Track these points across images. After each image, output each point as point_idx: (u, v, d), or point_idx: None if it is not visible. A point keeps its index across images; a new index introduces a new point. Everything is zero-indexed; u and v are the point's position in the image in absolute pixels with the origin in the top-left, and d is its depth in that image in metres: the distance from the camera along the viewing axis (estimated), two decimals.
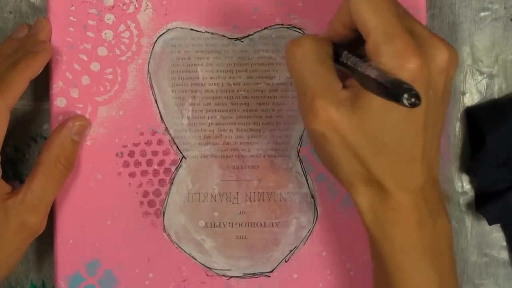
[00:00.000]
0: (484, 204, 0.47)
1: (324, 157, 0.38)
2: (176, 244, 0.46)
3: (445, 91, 0.36)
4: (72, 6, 0.45)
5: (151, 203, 0.45)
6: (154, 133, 0.45)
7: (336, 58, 0.37)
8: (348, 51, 0.36)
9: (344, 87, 0.35)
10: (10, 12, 0.48)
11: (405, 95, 0.29)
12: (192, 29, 0.45)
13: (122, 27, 0.45)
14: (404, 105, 0.29)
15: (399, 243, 0.37)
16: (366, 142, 0.35)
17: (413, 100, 0.29)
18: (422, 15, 0.45)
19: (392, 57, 0.33)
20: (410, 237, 0.37)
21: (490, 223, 0.47)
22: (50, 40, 0.45)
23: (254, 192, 0.46)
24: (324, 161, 0.38)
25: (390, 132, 0.35)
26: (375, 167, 0.35)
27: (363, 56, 0.35)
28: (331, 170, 0.38)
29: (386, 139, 0.35)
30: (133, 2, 0.45)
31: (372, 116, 0.34)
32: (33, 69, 0.42)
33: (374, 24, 0.34)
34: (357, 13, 0.34)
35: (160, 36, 0.45)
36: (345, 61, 0.36)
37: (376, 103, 0.34)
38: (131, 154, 0.45)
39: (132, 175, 0.45)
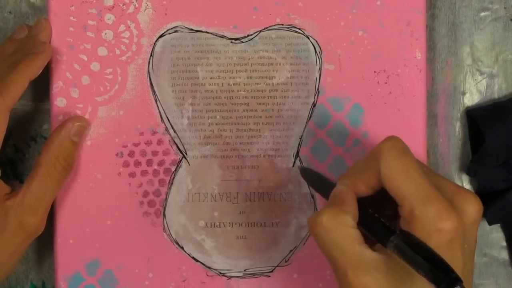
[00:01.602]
0: (484, 204, 0.47)
1: None
2: (176, 244, 0.46)
3: (476, 239, 0.36)
4: (72, 6, 0.45)
5: (151, 203, 0.45)
6: (154, 133, 0.45)
7: (362, 218, 0.36)
8: (375, 213, 0.36)
9: (374, 249, 0.35)
10: (10, 12, 0.48)
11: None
12: (192, 29, 0.45)
13: (122, 27, 0.45)
14: None
15: None
16: None
17: None
18: (422, 15, 0.45)
19: (429, 221, 0.33)
20: None
21: (490, 223, 0.47)
22: (50, 41, 0.45)
23: (254, 192, 0.46)
24: None
25: None
26: None
27: (388, 215, 0.35)
28: None
29: None
30: (133, 2, 0.45)
31: (408, 278, 0.34)
32: (33, 70, 0.42)
33: (408, 191, 0.34)
34: (389, 180, 0.35)
35: (160, 36, 0.45)
36: (373, 225, 0.36)
37: None
38: (131, 154, 0.45)
39: (132, 175, 0.45)
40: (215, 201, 0.46)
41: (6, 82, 0.41)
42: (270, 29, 0.45)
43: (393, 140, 0.36)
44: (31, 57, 0.42)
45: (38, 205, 0.42)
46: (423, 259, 0.31)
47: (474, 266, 0.47)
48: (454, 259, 0.33)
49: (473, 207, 0.35)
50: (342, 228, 0.35)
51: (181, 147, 0.45)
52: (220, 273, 0.46)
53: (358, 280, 0.34)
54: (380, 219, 0.35)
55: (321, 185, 0.40)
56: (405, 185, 0.34)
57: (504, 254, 0.48)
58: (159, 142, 0.45)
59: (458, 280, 0.30)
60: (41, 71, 0.43)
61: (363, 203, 0.37)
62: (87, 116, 0.45)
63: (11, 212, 0.41)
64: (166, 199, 0.46)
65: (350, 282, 0.35)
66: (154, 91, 0.45)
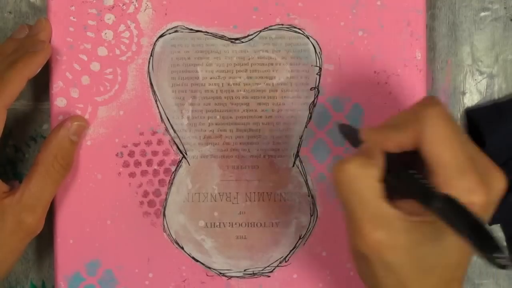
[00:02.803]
0: None
1: (366, 275, 0.37)
2: (176, 244, 0.46)
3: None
4: (72, 6, 0.45)
5: (151, 203, 0.45)
6: (154, 133, 0.45)
7: (391, 171, 0.36)
8: (413, 171, 0.35)
9: (395, 206, 0.35)
10: (10, 12, 0.48)
11: (498, 257, 0.30)
12: (192, 29, 0.45)
13: (122, 27, 0.45)
14: (492, 262, 0.30)
15: None
16: (412, 265, 0.35)
17: (506, 264, 0.30)
18: (422, 15, 0.45)
19: (463, 193, 0.33)
20: None
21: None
22: (50, 41, 0.45)
23: (254, 192, 0.46)
24: (365, 280, 0.38)
25: (439, 257, 0.35)
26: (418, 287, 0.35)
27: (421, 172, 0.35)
28: (371, 287, 0.38)
29: (433, 262, 0.35)
30: (133, 2, 0.45)
31: (423, 240, 0.34)
32: (31, 68, 0.42)
33: (448, 159, 0.34)
34: (431, 146, 0.34)
35: (160, 36, 0.45)
36: (412, 185, 0.35)
37: (431, 227, 0.34)
38: (131, 154, 0.45)
39: (132, 175, 0.45)
40: (215, 201, 0.46)
41: (3, 80, 0.41)
42: (270, 29, 0.45)
43: (438, 105, 0.35)
44: (29, 56, 0.42)
45: (36, 204, 0.42)
46: (470, 225, 0.31)
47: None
48: None
49: (501, 185, 0.35)
50: (367, 179, 0.35)
51: (181, 147, 0.45)
52: (220, 273, 0.46)
53: (373, 233, 0.34)
54: (421, 179, 0.35)
55: (356, 138, 0.39)
56: (446, 154, 0.34)
57: None
58: (159, 142, 0.45)
59: (503, 249, 0.30)
60: (39, 69, 0.43)
61: (400, 160, 0.36)
62: (87, 116, 0.45)
63: (9, 210, 0.41)
64: (166, 199, 0.46)
65: (364, 233, 0.34)
66: (154, 91, 0.45)
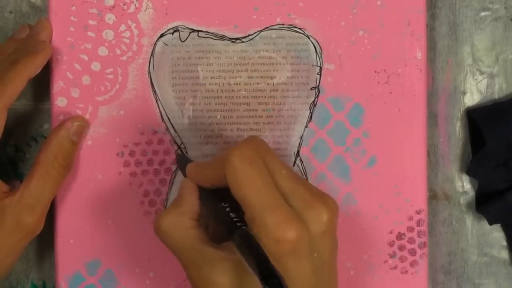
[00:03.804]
0: (484, 204, 0.47)
1: None
2: None
3: (332, 247, 0.37)
4: (73, 6, 0.45)
5: (152, 203, 0.45)
6: (154, 132, 0.45)
7: (214, 209, 0.37)
8: (227, 206, 0.37)
9: (221, 246, 0.37)
10: (10, 12, 0.48)
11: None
12: (192, 29, 0.45)
13: (122, 27, 0.45)
14: None
15: None
16: None
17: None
18: (422, 15, 0.45)
19: (268, 230, 0.34)
20: None
21: (490, 223, 0.47)
22: (50, 41, 0.45)
23: None
24: None
25: None
26: None
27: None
28: None
29: None
30: (133, 2, 0.45)
31: (246, 277, 0.35)
32: (32, 68, 0.42)
33: (250, 199, 0.35)
34: (233, 188, 0.35)
35: (161, 36, 0.45)
36: (222, 218, 0.36)
37: None
38: (132, 153, 0.45)
39: (132, 174, 0.45)
40: None
41: (4, 80, 0.41)
42: (270, 29, 0.45)
43: (242, 148, 0.36)
44: (30, 56, 0.42)
45: (36, 204, 0.42)
46: (256, 261, 0.32)
47: (474, 265, 0.48)
48: (299, 268, 0.34)
49: (322, 217, 0.35)
50: (180, 230, 0.37)
51: (181, 146, 0.45)
52: None
53: (198, 274, 0.36)
54: (229, 213, 0.36)
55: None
56: (248, 195, 0.35)
57: (504, 254, 0.48)
58: (160, 141, 0.45)
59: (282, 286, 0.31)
60: (40, 70, 0.43)
61: (215, 193, 0.38)
62: (87, 116, 0.45)
63: (9, 210, 0.41)
64: (167, 199, 0.46)
65: (191, 276, 0.36)
66: (154, 91, 0.45)
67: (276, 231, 0.34)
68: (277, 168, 0.36)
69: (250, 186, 0.35)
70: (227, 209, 0.36)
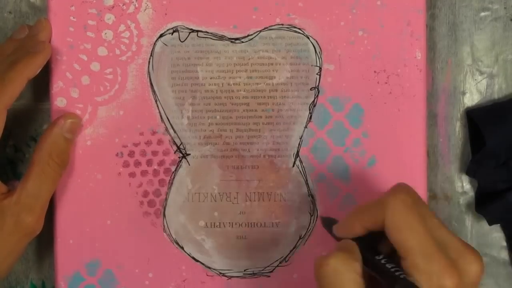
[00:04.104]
0: (484, 204, 0.47)
1: None
2: (176, 244, 0.46)
3: None
4: (72, 6, 0.45)
5: (151, 203, 0.45)
6: (154, 133, 0.45)
7: (367, 261, 0.37)
8: (379, 256, 0.36)
9: None
10: (10, 12, 0.48)
11: None
12: (192, 29, 0.45)
13: (122, 27, 0.45)
14: None
15: None
16: None
17: None
18: (422, 15, 0.45)
19: (431, 277, 0.34)
20: None
21: (490, 223, 0.47)
22: (50, 41, 0.45)
23: (254, 192, 0.46)
24: None
25: None
26: None
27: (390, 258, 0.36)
28: None
29: None
30: (133, 2, 0.45)
31: None
32: (32, 69, 0.42)
33: (412, 246, 0.35)
34: (394, 234, 0.35)
35: (160, 36, 0.45)
36: (379, 270, 0.36)
37: None
38: (131, 154, 0.45)
39: (132, 175, 0.45)
40: (215, 201, 0.46)
41: (4, 81, 0.41)
42: (270, 29, 0.45)
43: (401, 193, 0.36)
44: (29, 56, 0.42)
45: (35, 204, 0.42)
46: None
47: None
48: None
49: (475, 268, 0.35)
50: (350, 273, 0.35)
51: (181, 147, 0.45)
52: (220, 273, 0.46)
53: None
54: (386, 264, 0.36)
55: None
56: (409, 240, 0.35)
57: (504, 254, 0.48)
58: (159, 142, 0.45)
59: None
60: (39, 70, 0.43)
61: (370, 245, 0.37)
62: (87, 116, 0.45)
63: (8, 211, 0.41)
64: (166, 199, 0.46)
65: None
66: (154, 91, 0.45)
67: (439, 279, 0.34)
68: (430, 216, 0.36)
69: (411, 232, 0.35)
70: (382, 261, 0.36)
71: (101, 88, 0.45)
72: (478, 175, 0.47)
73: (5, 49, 0.44)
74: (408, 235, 0.35)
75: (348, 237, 0.38)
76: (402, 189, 0.37)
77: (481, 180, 0.47)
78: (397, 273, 0.35)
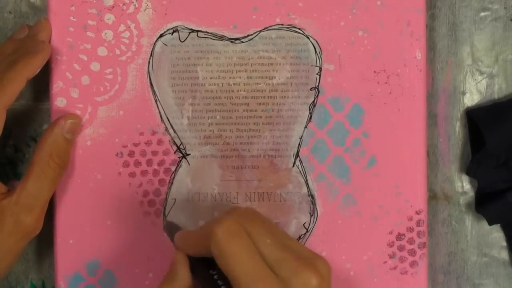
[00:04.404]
0: (484, 204, 0.47)
1: None
2: None
3: None
4: (72, 6, 0.45)
5: (151, 203, 0.45)
6: (154, 133, 0.45)
7: (202, 273, 0.38)
8: (213, 271, 0.37)
9: None
10: (10, 12, 0.48)
11: None
12: (192, 29, 0.45)
13: (122, 27, 0.45)
14: None
15: None
16: None
17: None
18: (422, 15, 0.45)
19: None
20: None
21: (490, 223, 0.47)
22: (49, 41, 0.45)
23: (254, 192, 0.46)
24: None
25: None
26: None
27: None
28: None
29: None
30: (133, 2, 0.45)
31: None
32: (31, 69, 0.42)
33: (238, 273, 0.35)
34: (220, 262, 0.36)
35: (160, 36, 0.45)
36: (210, 285, 0.37)
37: None
38: (131, 154, 0.45)
39: (132, 175, 0.45)
40: (215, 201, 0.46)
41: (3, 81, 0.41)
42: (270, 29, 0.45)
43: (228, 220, 0.36)
44: (29, 56, 0.42)
45: (34, 204, 0.42)
46: None
47: (474, 266, 0.48)
48: None
49: (310, 282, 0.35)
50: None
51: (181, 147, 0.45)
52: None
53: None
54: (217, 281, 0.37)
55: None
56: (235, 270, 0.35)
57: (504, 254, 0.48)
58: (159, 142, 0.45)
59: None
60: (39, 70, 0.43)
61: (205, 260, 0.38)
62: (87, 116, 0.45)
63: (7, 211, 0.41)
64: (166, 199, 0.46)
65: None
66: (154, 91, 0.45)
67: None
68: (262, 238, 0.37)
69: (234, 259, 0.35)
70: (215, 277, 0.37)
71: (101, 88, 0.45)
72: (478, 175, 0.47)
73: (5, 49, 0.44)
74: (231, 263, 0.35)
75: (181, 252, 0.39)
76: (226, 216, 0.37)
77: (481, 180, 0.47)
78: None
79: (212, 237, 0.36)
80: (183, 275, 0.39)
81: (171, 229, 0.44)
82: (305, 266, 0.36)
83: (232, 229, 0.36)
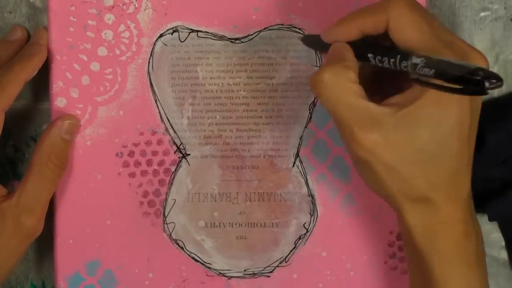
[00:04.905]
0: (483, 203, 0.47)
1: (370, 180, 0.37)
2: (176, 244, 0.46)
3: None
4: (72, 6, 0.45)
5: (151, 203, 0.45)
6: (154, 133, 0.45)
7: (375, 52, 0.36)
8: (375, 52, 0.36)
9: (382, 104, 0.35)
10: (10, 12, 0.48)
11: (486, 80, 0.29)
12: (192, 29, 0.45)
13: (122, 27, 0.45)
14: (482, 91, 0.29)
15: (447, 254, 0.36)
16: (412, 160, 0.34)
17: (494, 81, 0.29)
18: None
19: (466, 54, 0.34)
20: (458, 248, 0.36)
21: (490, 219, 0.47)
22: (47, 44, 0.45)
23: (254, 192, 0.46)
24: (370, 184, 0.38)
25: (437, 146, 0.34)
26: (423, 183, 0.35)
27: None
28: (377, 191, 0.38)
29: (432, 153, 0.34)
30: (133, 2, 0.45)
31: (420, 130, 0.34)
32: (28, 71, 0.43)
33: (420, 43, 0.34)
34: (399, 33, 0.35)
35: (160, 36, 0.45)
36: (387, 65, 0.35)
37: (425, 114, 0.34)
38: (131, 154, 0.45)
39: (132, 175, 0.45)
40: (215, 201, 0.46)
41: (1, 83, 0.41)
42: (270, 29, 0.45)
43: None
44: (26, 59, 0.43)
45: (35, 206, 0.42)
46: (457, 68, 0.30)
47: None
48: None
49: (482, 64, 0.35)
50: (345, 83, 0.35)
51: (181, 147, 0.45)
52: (220, 273, 0.46)
53: (366, 136, 0.34)
54: (394, 47, 0.35)
55: (322, 43, 0.40)
56: (417, 39, 0.34)
57: (504, 254, 0.48)
58: (159, 142, 0.45)
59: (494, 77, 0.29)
60: (36, 72, 0.43)
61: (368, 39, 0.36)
62: (87, 116, 0.45)
63: (8, 214, 0.41)
64: (166, 199, 0.46)
65: (357, 139, 0.34)
66: (154, 91, 0.45)
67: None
68: (433, 19, 0.36)
69: (418, 31, 0.34)
70: (389, 45, 0.35)
71: (101, 88, 0.45)
72: (478, 174, 0.47)
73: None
74: (415, 34, 0.34)
75: (339, 41, 0.37)
76: None
77: (481, 179, 0.47)
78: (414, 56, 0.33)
79: (393, 9, 0.34)
80: (351, 56, 0.36)
81: (311, 39, 0.41)
82: (477, 51, 0.35)
83: (411, 2, 0.35)
